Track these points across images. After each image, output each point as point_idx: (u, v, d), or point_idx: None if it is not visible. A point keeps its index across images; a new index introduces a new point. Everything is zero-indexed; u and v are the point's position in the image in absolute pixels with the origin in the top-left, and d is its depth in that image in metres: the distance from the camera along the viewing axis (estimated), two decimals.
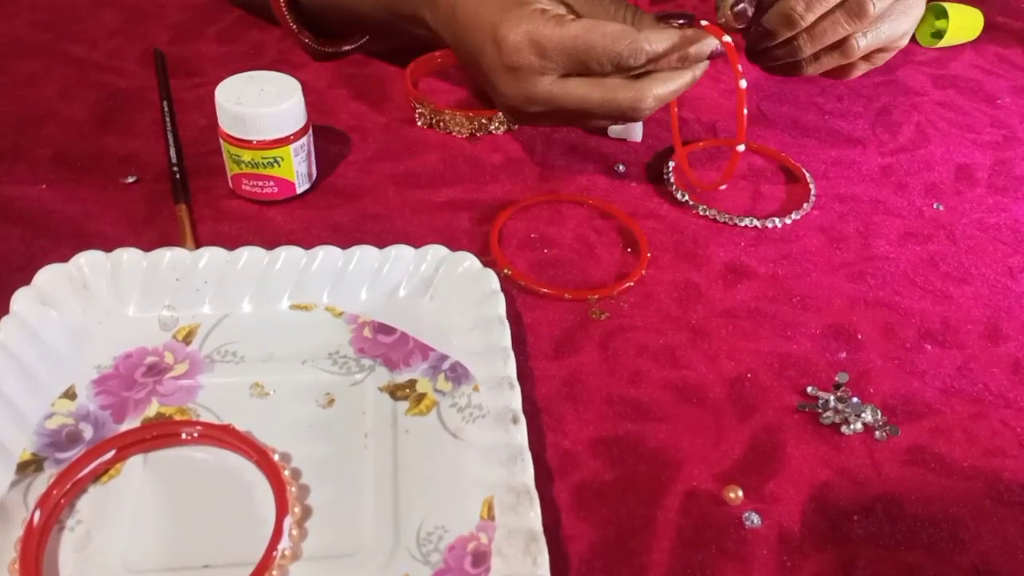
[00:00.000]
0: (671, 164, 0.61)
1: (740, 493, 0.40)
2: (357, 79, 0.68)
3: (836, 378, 0.46)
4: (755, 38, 0.52)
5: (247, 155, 0.52)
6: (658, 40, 0.49)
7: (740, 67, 0.50)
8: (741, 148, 0.52)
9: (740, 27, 0.51)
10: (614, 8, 0.53)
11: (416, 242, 0.48)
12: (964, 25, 0.79)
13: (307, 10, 0.67)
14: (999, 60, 0.79)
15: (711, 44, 0.51)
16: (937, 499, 0.41)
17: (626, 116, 0.52)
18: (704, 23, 0.51)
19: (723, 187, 0.57)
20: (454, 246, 0.48)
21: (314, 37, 0.68)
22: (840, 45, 0.54)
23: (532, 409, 0.43)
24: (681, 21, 0.52)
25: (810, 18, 0.51)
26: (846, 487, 0.41)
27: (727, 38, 0.50)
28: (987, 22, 0.81)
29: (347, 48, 0.70)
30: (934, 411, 0.46)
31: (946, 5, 0.78)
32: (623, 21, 0.53)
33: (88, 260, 0.45)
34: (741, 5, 0.51)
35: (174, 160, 0.57)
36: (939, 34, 0.79)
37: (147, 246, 0.46)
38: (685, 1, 0.85)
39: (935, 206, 0.60)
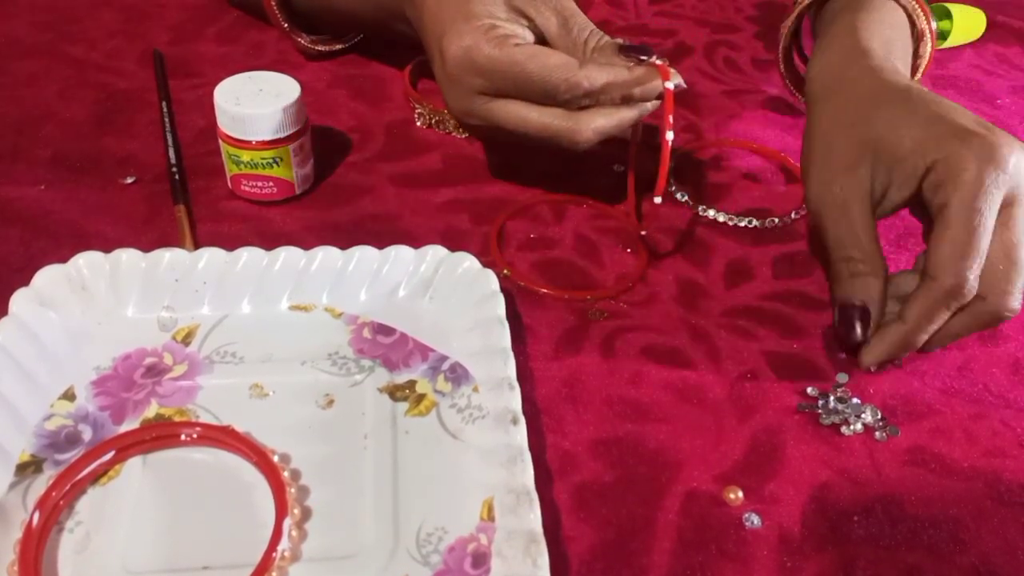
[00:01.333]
0: (671, 165, 0.61)
1: (740, 494, 0.40)
2: (357, 79, 0.68)
3: (836, 378, 0.46)
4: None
5: (246, 155, 0.52)
6: (597, 78, 0.49)
7: (671, 119, 0.49)
8: (658, 200, 0.50)
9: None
10: (577, 30, 0.52)
11: (416, 243, 0.48)
12: (967, 26, 0.79)
13: (300, 9, 0.67)
14: (999, 60, 0.79)
15: (657, 88, 0.49)
16: (937, 500, 0.41)
17: (564, 145, 0.51)
18: (658, 62, 0.50)
19: (643, 233, 0.55)
20: (454, 246, 0.48)
21: (306, 36, 0.68)
22: None
23: (532, 410, 0.43)
24: (642, 57, 0.50)
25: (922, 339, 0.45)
26: (846, 488, 0.41)
27: (671, 84, 0.49)
28: (987, 22, 0.81)
29: (340, 47, 0.70)
30: (934, 411, 0.46)
31: (949, 6, 0.78)
32: (583, 46, 0.51)
33: (87, 261, 0.45)
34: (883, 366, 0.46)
35: (173, 161, 0.57)
36: (943, 35, 0.79)
37: (146, 247, 0.46)
38: (684, 1, 0.85)
39: None
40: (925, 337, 0.44)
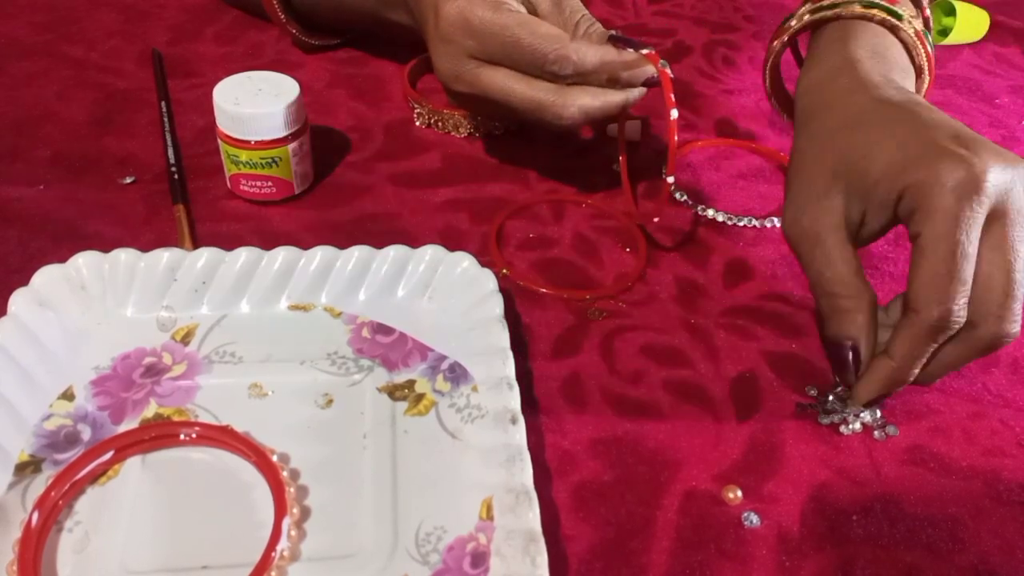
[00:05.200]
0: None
1: (739, 493, 0.40)
2: (356, 79, 0.68)
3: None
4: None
5: (245, 155, 0.52)
6: (587, 53, 0.49)
7: (673, 97, 0.49)
8: (671, 180, 0.51)
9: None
10: (569, 12, 0.53)
11: (415, 242, 0.48)
12: (970, 24, 0.79)
13: (298, 4, 0.67)
14: (997, 60, 0.79)
15: (646, 72, 0.50)
16: (936, 499, 0.41)
17: (548, 120, 0.51)
18: (645, 52, 0.50)
19: (656, 219, 0.55)
20: (453, 246, 0.48)
21: (302, 29, 0.68)
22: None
23: (531, 409, 0.43)
24: (629, 50, 0.51)
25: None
26: (845, 487, 0.41)
27: (664, 65, 0.49)
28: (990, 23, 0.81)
29: (336, 42, 0.70)
30: (933, 411, 0.46)
31: (954, 3, 0.78)
32: (573, 28, 0.52)
33: (86, 261, 0.45)
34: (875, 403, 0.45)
35: (172, 160, 0.57)
36: (945, 32, 0.79)
37: (145, 246, 0.46)
38: (683, 0, 0.85)
39: None
40: (915, 371, 0.42)
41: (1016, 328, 0.40)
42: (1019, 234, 0.40)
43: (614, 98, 0.51)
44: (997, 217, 0.40)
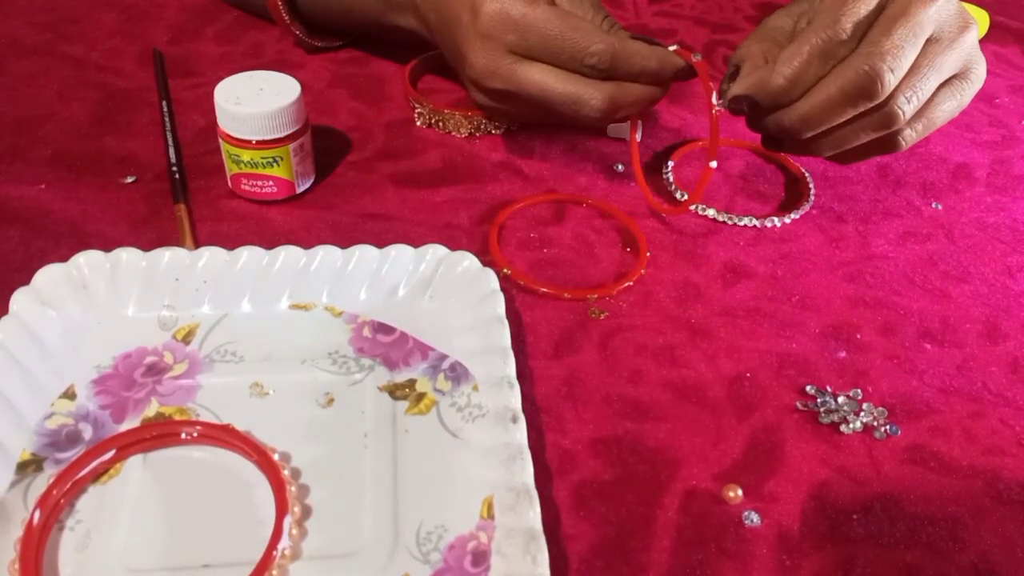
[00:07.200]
0: (670, 164, 0.61)
1: (739, 492, 0.40)
2: (356, 79, 0.68)
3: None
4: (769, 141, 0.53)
5: (246, 155, 0.52)
6: (624, 46, 0.50)
7: (711, 85, 0.51)
8: (714, 165, 0.52)
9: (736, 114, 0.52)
10: (592, 13, 0.54)
11: (415, 242, 0.48)
12: None
13: (302, 6, 0.67)
14: (997, 60, 0.79)
15: (676, 64, 0.52)
16: (936, 498, 0.41)
17: (582, 114, 0.52)
18: (674, 47, 0.52)
19: (693, 207, 0.56)
20: (453, 245, 0.48)
21: (305, 30, 0.68)
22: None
23: (531, 408, 0.43)
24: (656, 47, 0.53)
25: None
26: (845, 486, 0.41)
27: (696, 56, 0.51)
28: (988, 23, 0.81)
29: (338, 44, 0.70)
30: (933, 410, 0.46)
31: None
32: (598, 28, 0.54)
33: (87, 260, 0.45)
34: (741, 107, 0.50)
35: (173, 160, 0.57)
36: None
37: (146, 246, 0.46)
38: (683, 0, 0.86)
39: (934, 205, 0.60)
40: (785, 77, 0.48)
41: (889, 77, 0.46)
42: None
43: (645, 93, 0.52)
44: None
